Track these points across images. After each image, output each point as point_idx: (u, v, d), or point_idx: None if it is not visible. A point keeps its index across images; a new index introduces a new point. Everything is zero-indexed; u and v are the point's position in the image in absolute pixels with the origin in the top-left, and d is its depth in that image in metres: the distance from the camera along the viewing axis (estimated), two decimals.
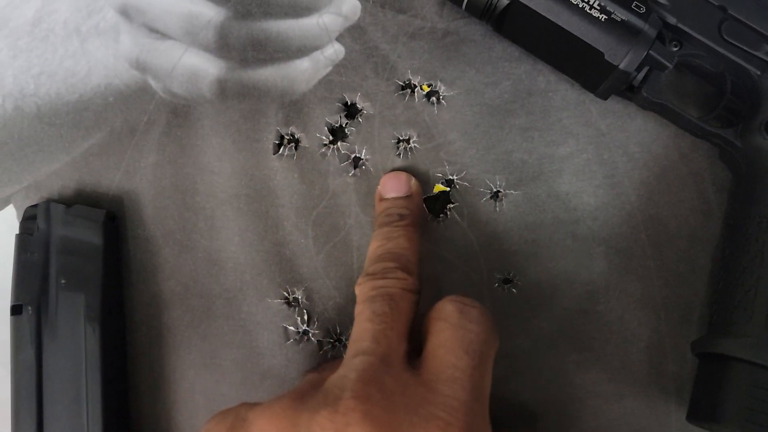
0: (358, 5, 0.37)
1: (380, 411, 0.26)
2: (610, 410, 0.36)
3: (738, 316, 0.32)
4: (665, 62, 0.33)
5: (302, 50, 0.37)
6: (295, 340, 0.36)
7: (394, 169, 0.37)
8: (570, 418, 0.36)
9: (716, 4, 0.35)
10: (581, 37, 0.33)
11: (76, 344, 0.33)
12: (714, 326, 0.33)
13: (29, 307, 0.33)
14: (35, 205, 0.35)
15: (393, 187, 0.36)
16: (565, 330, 0.36)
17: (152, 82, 0.36)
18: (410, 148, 0.37)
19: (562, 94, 0.37)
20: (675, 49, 0.35)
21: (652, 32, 0.33)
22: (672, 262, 0.37)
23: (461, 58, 0.37)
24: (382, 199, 0.36)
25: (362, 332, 0.29)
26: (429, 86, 0.37)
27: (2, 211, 0.38)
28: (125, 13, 0.36)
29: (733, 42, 0.34)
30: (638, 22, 0.33)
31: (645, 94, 0.35)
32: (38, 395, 0.33)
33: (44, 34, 0.36)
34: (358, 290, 0.32)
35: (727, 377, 0.31)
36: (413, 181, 0.37)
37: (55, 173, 0.37)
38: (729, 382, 0.31)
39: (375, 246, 0.34)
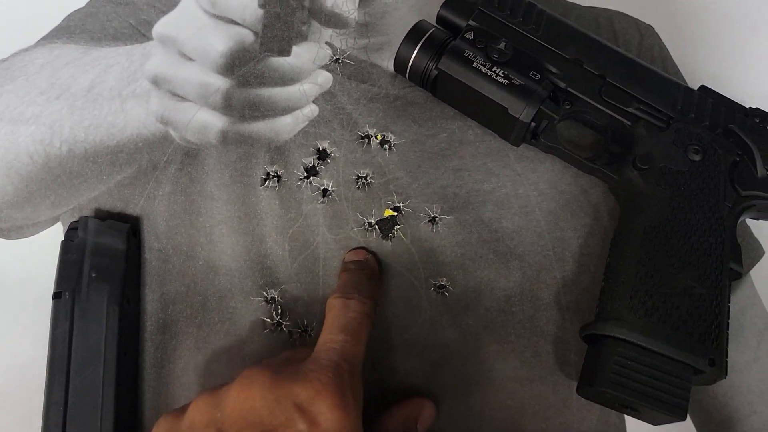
0: (330, 77, 0.49)
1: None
2: (523, 391, 0.44)
3: (609, 304, 0.40)
4: (553, 115, 0.44)
5: (286, 109, 0.48)
6: (270, 329, 0.44)
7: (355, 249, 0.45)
8: (491, 398, 0.44)
9: (597, 73, 0.45)
10: (491, 97, 0.44)
11: (100, 323, 0.42)
12: (596, 315, 0.42)
13: (66, 293, 0.42)
14: (77, 220, 0.45)
15: (352, 256, 0.45)
16: (488, 326, 0.44)
17: (172, 132, 0.48)
18: (367, 182, 0.47)
19: (487, 144, 0.48)
20: (567, 107, 0.45)
21: (544, 93, 0.44)
22: (574, 274, 0.45)
23: (408, 116, 0.48)
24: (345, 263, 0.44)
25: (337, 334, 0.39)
26: (382, 136, 0.48)
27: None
28: (155, 82, 0.48)
29: (610, 101, 0.45)
30: (533, 86, 0.44)
31: (543, 140, 0.45)
32: (68, 363, 0.42)
33: (95, 97, 0.48)
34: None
35: (600, 350, 0.39)
36: (370, 256, 0.45)
37: (94, 199, 0.47)
38: (601, 353, 0.39)
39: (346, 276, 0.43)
